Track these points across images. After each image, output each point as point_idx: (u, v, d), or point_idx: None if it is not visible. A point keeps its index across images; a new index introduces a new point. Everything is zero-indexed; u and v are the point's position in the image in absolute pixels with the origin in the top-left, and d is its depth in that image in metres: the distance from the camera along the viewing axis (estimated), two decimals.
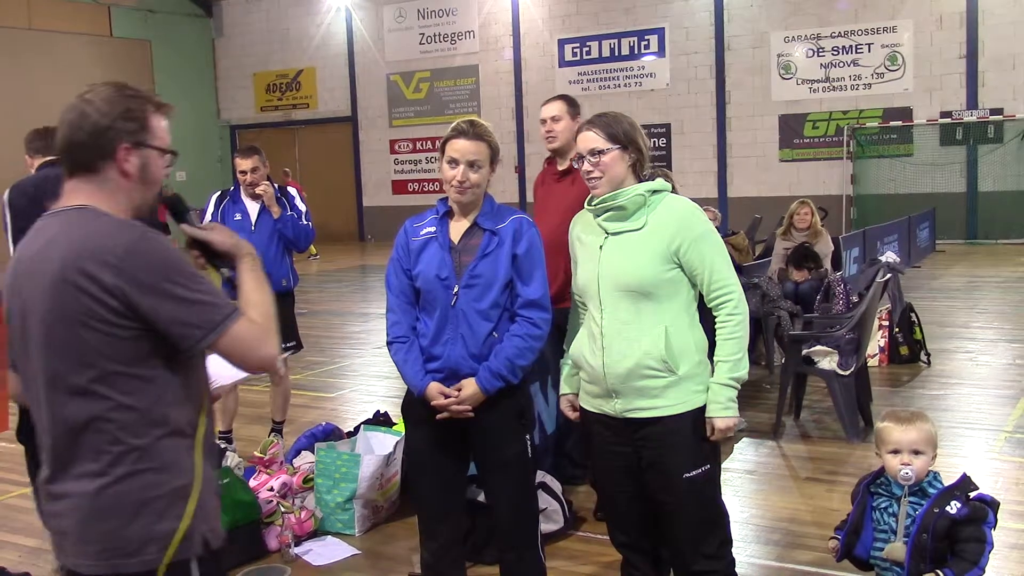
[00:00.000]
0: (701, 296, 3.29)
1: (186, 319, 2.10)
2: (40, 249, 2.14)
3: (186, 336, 2.11)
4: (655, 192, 3.24)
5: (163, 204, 2.40)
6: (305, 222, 6.26)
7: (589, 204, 3.33)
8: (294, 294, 6.45)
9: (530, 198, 22.30)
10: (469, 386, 3.38)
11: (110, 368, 2.10)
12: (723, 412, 3.19)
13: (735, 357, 3.19)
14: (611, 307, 3.21)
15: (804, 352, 6.60)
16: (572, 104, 5.15)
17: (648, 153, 3.31)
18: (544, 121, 5.13)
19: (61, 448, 2.16)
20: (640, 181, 3.28)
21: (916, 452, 3.08)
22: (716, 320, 3.23)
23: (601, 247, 3.26)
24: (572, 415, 3.54)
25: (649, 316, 3.17)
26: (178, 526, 2.16)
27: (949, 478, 3.15)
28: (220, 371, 2.59)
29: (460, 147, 3.38)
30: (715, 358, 3.22)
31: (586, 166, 3.24)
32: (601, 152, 3.21)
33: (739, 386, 3.23)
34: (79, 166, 2.20)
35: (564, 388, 3.56)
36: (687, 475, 3.20)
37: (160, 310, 2.08)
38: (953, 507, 3.00)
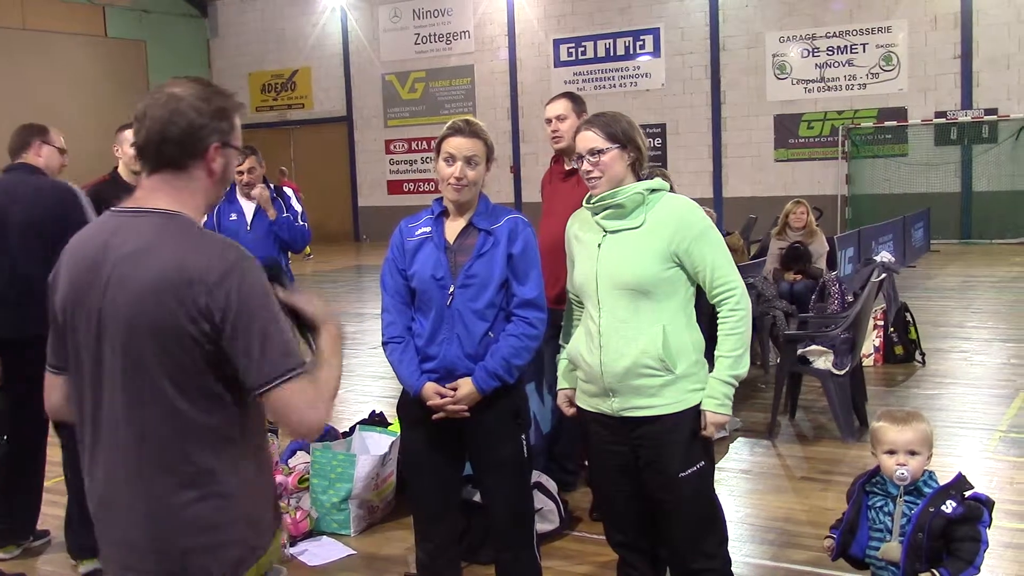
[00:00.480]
0: (697, 296, 3.30)
1: (254, 358, 2.03)
2: (133, 253, 2.07)
3: (247, 373, 2.04)
4: (653, 191, 3.25)
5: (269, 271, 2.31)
6: (301, 223, 6.26)
7: (587, 202, 3.33)
8: None
9: (526, 198, 22.34)
10: (465, 386, 3.38)
11: (191, 383, 2.06)
12: (718, 408, 3.19)
13: (736, 353, 3.19)
14: (609, 305, 3.21)
15: (799, 352, 6.61)
16: (577, 102, 5.10)
17: (647, 152, 3.32)
18: (550, 120, 5.07)
19: (132, 457, 2.10)
20: (639, 180, 3.28)
21: (912, 452, 3.09)
22: (718, 316, 3.23)
23: (599, 245, 3.26)
24: (569, 411, 3.54)
25: (647, 315, 3.17)
26: (239, 555, 2.15)
27: (944, 477, 3.15)
28: None
29: (457, 144, 3.38)
30: (716, 353, 3.22)
31: (585, 166, 3.25)
32: (600, 152, 3.21)
33: (737, 384, 3.23)
34: (166, 163, 2.14)
35: (561, 383, 3.56)
36: (683, 474, 3.21)
37: (236, 340, 2.02)
38: (948, 506, 3.00)
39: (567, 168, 5.08)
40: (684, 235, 3.16)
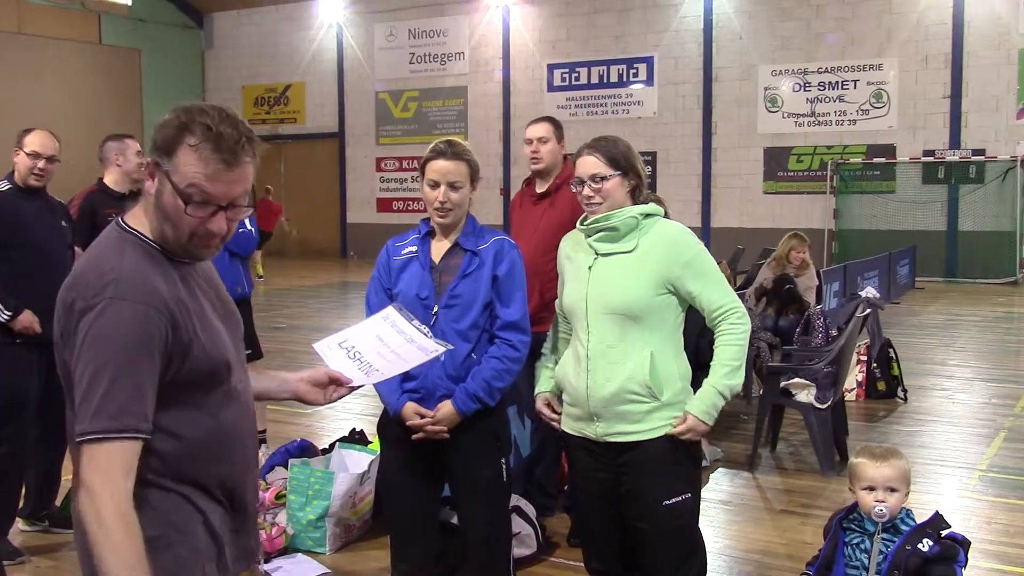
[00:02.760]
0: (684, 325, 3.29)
1: (84, 402, 1.87)
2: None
3: (76, 418, 1.89)
4: (648, 216, 3.23)
5: None
6: (248, 228, 6.17)
7: (581, 223, 3.32)
8: (251, 302, 6.43)
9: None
10: (445, 407, 3.37)
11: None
12: (703, 415, 3.12)
13: (734, 363, 3.15)
14: (598, 329, 3.19)
15: (782, 384, 6.62)
16: (558, 127, 5.13)
17: (646, 178, 3.31)
18: (530, 141, 5.08)
19: None
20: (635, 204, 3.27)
21: (891, 489, 3.09)
22: (717, 332, 3.20)
23: (590, 267, 3.24)
24: (548, 414, 3.47)
25: (635, 340, 3.15)
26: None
27: (923, 515, 3.15)
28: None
29: (440, 168, 3.38)
30: (714, 362, 3.18)
31: (586, 191, 3.21)
32: (604, 178, 3.19)
33: (728, 397, 3.18)
34: None
35: (541, 387, 3.50)
36: (666, 502, 3.18)
37: (78, 384, 1.89)
38: (925, 545, 3.00)
39: (539, 191, 5.09)
40: (677, 261, 3.15)
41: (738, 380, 3.17)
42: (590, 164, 3.21)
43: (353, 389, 2.50)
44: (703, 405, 3.14)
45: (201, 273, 2.17)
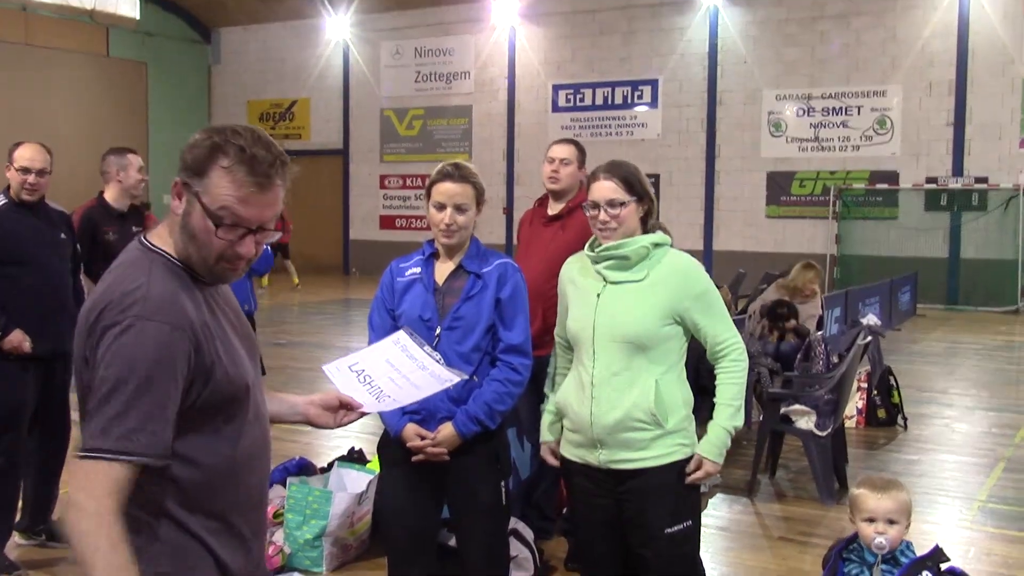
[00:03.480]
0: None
1: (92, 418, 1.86)
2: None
3: (82, 433, 1.88)
4: (658, 245, 3.24)
5: None
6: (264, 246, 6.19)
7: (590, 249, 3.31)
8: (255, 319, 6.44)
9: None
10: (446, 429, 3.37)
11: None
12: (715, 456, 3.18)
13: (737, 403, 3.20)
14: (604, 356, 3.19)
15: (782, 411, 6.60)
16: (582, 151, 5.08)
17: (656, 205, 3.31)
18: (552, 160, 5.00)
19: None
20: (645, 232, 3.27)
21: (891, 521, 3.08)
22: (717, 368, 3.25)
23: (599, 295, 3.24)
24: (552, 461, 3.49)
25: (641, 368, 3.16)
26: None
27: (922, 546, 3.14)
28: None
29: (446, 190, 3.39)
30: (718, 401, 3.23)
31: (602, 216, 3.20)
32: (622, 204, 3.19)
33: (734, 435, 3.22)
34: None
35: (545, 435, 3.50)
36: (668, 530, 3.17)
37: (91, 399, 1.88)
38: None
39: (551, 213, 5.06)
40: (688, 293, 3.17)
41: (741, 419, 3.23)
42: (608, 189, 3.20)
43: (363, 414, 2.48)
44: (713, 447, 3.17)
45: (221, 292, 2.14)
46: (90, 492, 1.82)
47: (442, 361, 2.78)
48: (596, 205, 3.21)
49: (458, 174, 3.41)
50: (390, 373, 2.62)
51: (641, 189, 3.23)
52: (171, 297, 1.93)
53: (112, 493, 1.83)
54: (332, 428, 2.43)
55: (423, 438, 3.39)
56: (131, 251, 2.03)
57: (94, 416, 1.85)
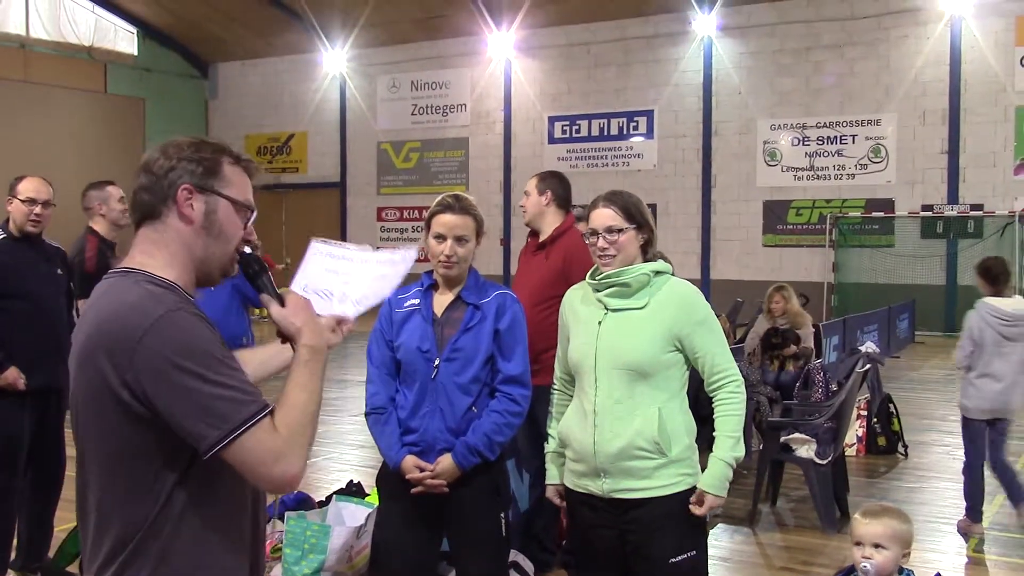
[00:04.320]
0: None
1: (197, 418, 1.81)
2: (81, 318, 1.99)
3: (196, 439, 1.82)
4: (658, 273, 3.24)
5: (238, 262, 2.12)
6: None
7: (591, 278, 3.32)
8: None
9: (514, 270, 22.53)
10: (445, 461, 3.35)
11: (126, 462, 1.91)
12: (717, 490, 3.15)
13: (736, 435, 3.19)
14: (605, 385, 3.18)
15: (782, 439, 6.58)
16: (543, 179, 5.18)
17: (656, 233, 3.32)
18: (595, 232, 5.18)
19: (92, 541, 1.97)
20: (646, 260, 3.28)
21: (878, 546, 3.07)
22: (715, 399, 3.23)
23: (600, 323, 3.24)
24: (560, 503, 3.46)
25: (643, 396, 3.15)
26: None
27: (923, 574, 3.12)
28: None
29: (447, 222, 3.40)
30: (717, 433, 3.21)
31: (601, 243, 3.22)
32: (620, 231, 3.20)
33: (735, 467, 3.20)
34: (143, 213, 2.03)
35: (552, 477, 3.46)
36: (673, 560, 3.14)
37: (173, 406, 1.81)
38: None
39: (539, 242, 5.14)
40: (689, 319, 3.18)
41: (741, 450, 3.21)
42: (606, 216, 3.23)
43: (353, 321, 2.33)
44: (716, 479, 3.16)
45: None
46: (272, 462, 1.83)
47: (370, 249, 2.58)
48: (595, 232, 3.23)
49: (458, 206, 3.42)
50: (342, 278, 2.49)
51: (640, 218, 3.24)
52: (176, 299, 1.94)
53: (271, 435, 1.84)
54: (336, 343, 2.24)
55: (422, 470, 3.37)
56: (112, 283, 2.00)
57: (196, 410, 1.81)
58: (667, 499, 3.14)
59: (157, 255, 2.00)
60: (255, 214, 2.11)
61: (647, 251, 3.28)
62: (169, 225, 2.01)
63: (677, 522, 3.15)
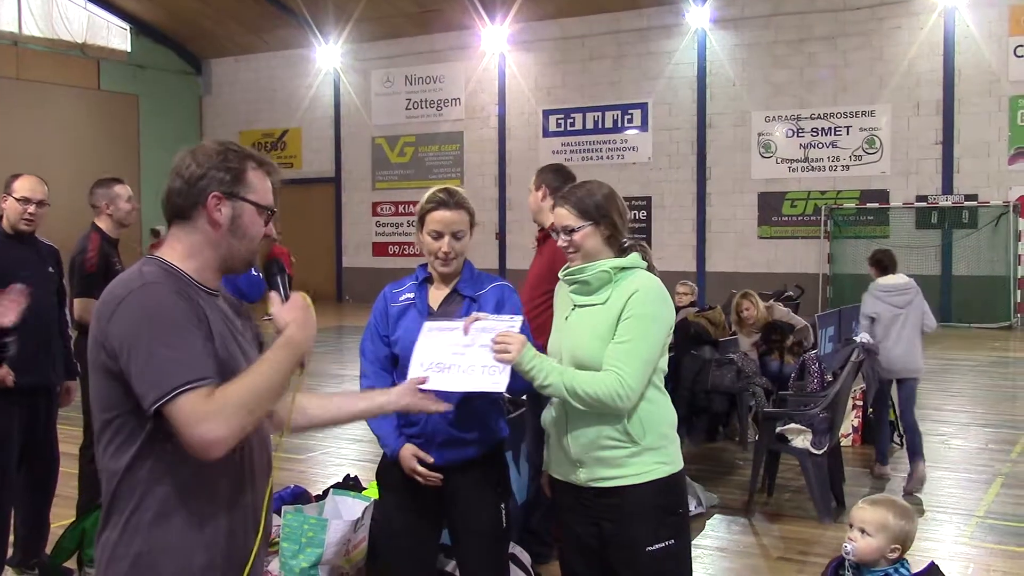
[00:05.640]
0: (676, 375, 3.27)
1: (144, 377, 2.02)
2: None
3: (141, 397, 2.02)
4: (623, 269, 3.21)
5: (265, 264, 2.41)
6: (257, 272, 6.15)
7: (561, 274, 3.33)
8: None
9: (511, 264, 22.49)
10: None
11: (107, 416, 2.14)
12: (528, 356, 3.04)
13: (570, 386, 3.03)
14: None
15: (778, 430, 6.60)
16: (539, 174, 5.18)
17: (624, 224, 3.26)
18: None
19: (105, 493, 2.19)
20: (619, 251, 3.26)
21: (864, 532, 3.08)
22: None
23: (567, 318, 3.26)
24: (550, 493, 3.46)
25: None
26: None
27: (920, 564, 3.13)
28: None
29: (443, 218, 3.39)
30: (574, 374, 3.10)
31: (560, 241, 3.25)
32: (573, 230, 3.20)
33: (534, 376, 3.05)
34: (175, 212, 2.26)
35: (546, 465, 3.46)
36: (649, 548, 3.13)
37: (130, 365, 2.03)
38: None
39: (538, 238, 5.16)
40: (625, 312, 3.10)
41: (549, 383, 3.06)
42: (561, 216, 3.23)
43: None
44: (537, 359, 3.06)
45: (227, 306, 2.35)
46: (197, 422, 1.98)
47: (486, 316, 3.12)
48: (557, 232, 3.25)
49: (452, 201, 3.40)
50: (455, 351, 3.02)
51: (597, 213, 3.19)
52: (165, 277, 2.17)
53: (205, 400, 1.99)
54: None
55: (421, 461, 3.37)
56: (135, 266, 2.25)
57: (140, 375, 2.02)
58: (642, 487, 3.12)
59: (179, 248, 2.25)
60: (276, 214, 2.36)
61: (613, 244, 3.25)
62: (198, 227, 2.25)
63: (653, 510, 3.14)
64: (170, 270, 2.20)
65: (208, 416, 1.99)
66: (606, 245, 3.23)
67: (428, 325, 3.15)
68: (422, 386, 2.95)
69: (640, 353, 3.06)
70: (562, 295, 3.35)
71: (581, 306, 3.23)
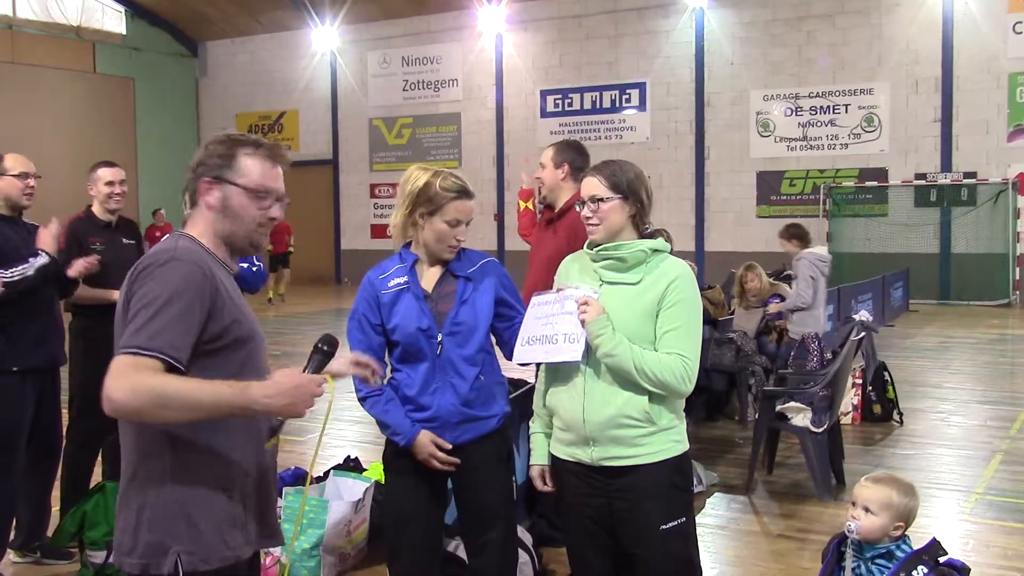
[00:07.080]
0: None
1: (131, 327, 2.26)
2: None
3: (118, 337, 2.29)
4: (656, 251, 3.22)
5: (323, 336, 2.57)
6: (257, 264, 6.14)
7: (589, 247, 3.31)
8: None
9: (509, 246, 22.41)
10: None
11: None
12: (600, 327, 3.07)
13: (636, 363, 3.05)
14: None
15: (778, 408, 6.60)
16: (560, 151, 5.09)
17: (650, 206, 3.28)
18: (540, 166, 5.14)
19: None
20: (640, 233, 3.25)
21: (867, 510, 3.08)
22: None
23: (595, 293, 3.23)
24: (543, 488, 3.40)
25: None
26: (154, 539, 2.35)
27: (919, 540, 3.13)
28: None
29: (464, 208, 3.39)
30: (654, 354, 3.10)
31: (585, 211, 3.22)
32: (601, 200, 3.19)
33: (604, 348, 3.07)
34: (191, 198, 2.53)
35: (538, 457, 3.40)
36: (663, 527, 3.13)
37: (134, 318, 2.26)
38: (920, 572, 2.97)
39: (548, 217, 5.10)
40: (669, 296, 3.12)
41: (614, 354, 3.06)
42: (591, 185, 3.22)
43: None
44: (609, 328, 3.08)
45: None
46: (118, 377, 2.17)
47: (573, 286, 3.23)
48: (583, 201, 3.24)
49: (470, 190, 3.46)
50: (544, 322, 3.21)
51: (627, 187, 3.20)
52: (198, 254, 2.41)
53: (139, 370, 2.18)
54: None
55: (439, 447, 3.36)
56: (171, 235, 2.54)
57: (130, 323, 2.26)
58: (656, 466, 3.12)
59: (194, 229, 2.51)
60: (280, 194, 2.53)
61: (638, 223, 3.25)
62: (201, 209, 2.51)
63: (667, 489, 3.14)
64: (199, 246, 2.45)
65: (123, 377, 2.17)
66: (630, 223, 3.22)
67: (535, 299, 3.30)
68: (520, 360, 3.26)
69: (694, 338, 3.15)
70: (585, 269, 3.29)
71: (611, 283, 3.21)
